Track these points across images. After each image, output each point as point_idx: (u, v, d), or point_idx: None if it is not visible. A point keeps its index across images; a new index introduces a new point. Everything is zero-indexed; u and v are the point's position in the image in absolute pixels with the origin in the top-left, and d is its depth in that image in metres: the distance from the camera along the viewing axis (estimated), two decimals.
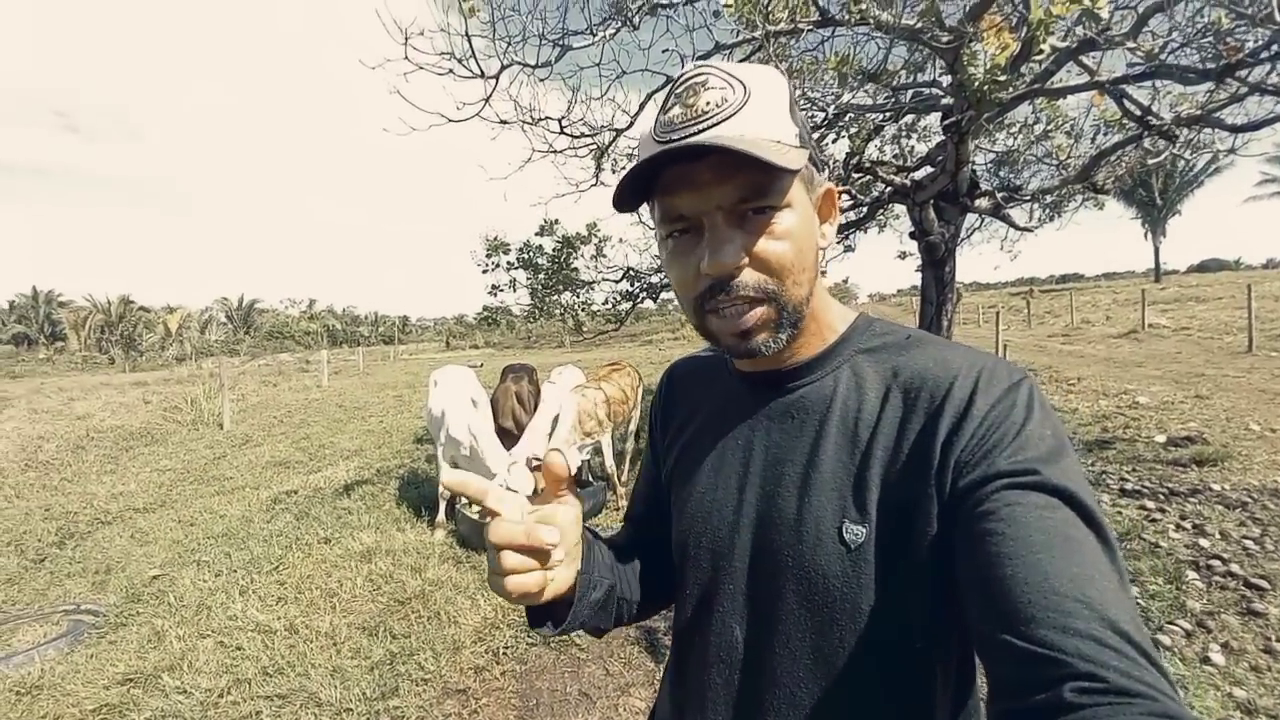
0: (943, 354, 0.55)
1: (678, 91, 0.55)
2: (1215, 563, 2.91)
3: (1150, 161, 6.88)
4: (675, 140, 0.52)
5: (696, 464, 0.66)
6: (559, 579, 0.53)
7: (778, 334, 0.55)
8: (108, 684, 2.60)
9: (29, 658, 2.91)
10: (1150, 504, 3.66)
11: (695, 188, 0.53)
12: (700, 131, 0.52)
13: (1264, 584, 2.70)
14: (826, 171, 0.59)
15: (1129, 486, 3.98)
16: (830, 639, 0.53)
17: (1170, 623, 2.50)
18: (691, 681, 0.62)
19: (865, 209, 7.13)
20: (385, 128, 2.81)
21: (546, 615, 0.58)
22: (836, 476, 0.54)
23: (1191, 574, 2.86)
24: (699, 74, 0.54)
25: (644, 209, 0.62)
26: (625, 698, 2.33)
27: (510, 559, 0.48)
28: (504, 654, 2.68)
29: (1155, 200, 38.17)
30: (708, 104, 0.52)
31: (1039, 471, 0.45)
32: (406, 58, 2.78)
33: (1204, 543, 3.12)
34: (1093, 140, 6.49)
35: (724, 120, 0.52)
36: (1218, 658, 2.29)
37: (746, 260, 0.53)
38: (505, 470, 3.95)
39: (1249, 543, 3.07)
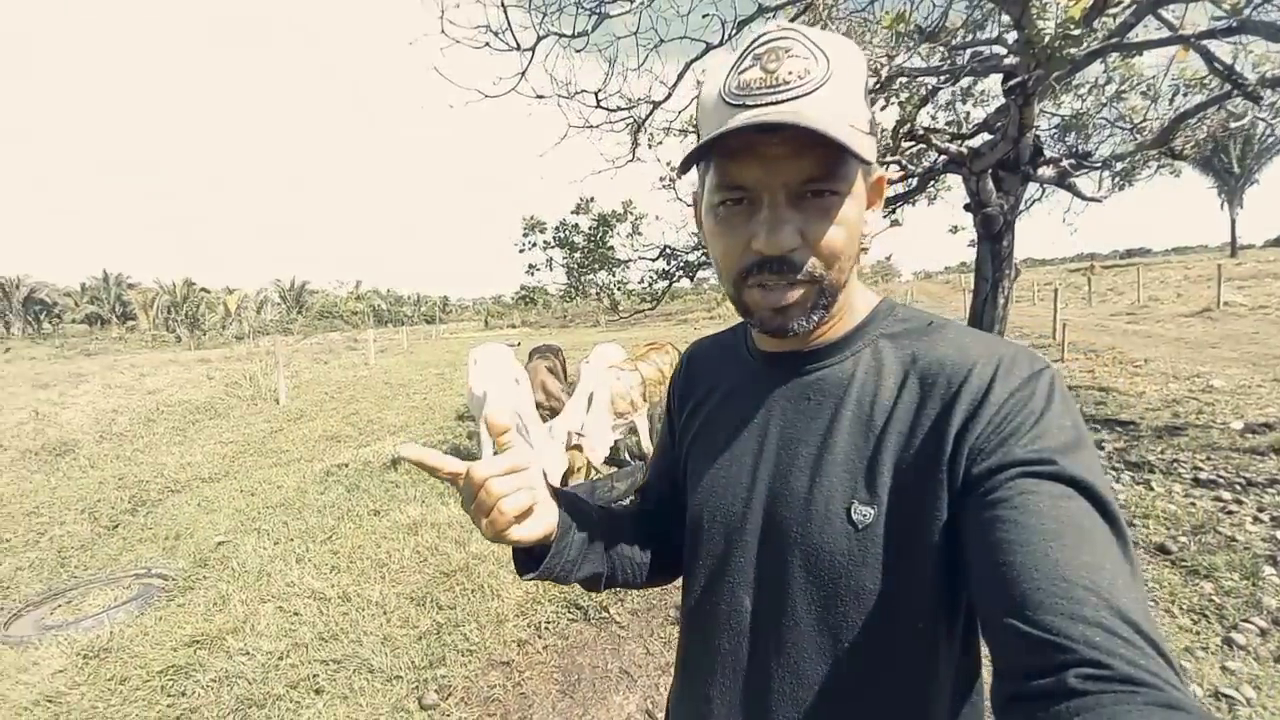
0: (963, 341, 0.55)
1: (757, 52, 0.52)
2: None
3: (1233, 125, 6.30)
4: (751, 105, 0.50)
5: (712, 441, 0.67)
6: (541, 516, 0.57)
7: (811, 314, 0.56)
8: (175, 646, 2.77)
9: (98, 621, 3.03)
10: (1226, 495, 3.42)
11: (763, 160, 0.51)
12: (781, 102, 0.50)
13: None
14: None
15: (1203, 476, 3.72)
16: (835, 614, 0.54)
17: (1245, 620, 2.35)
18: (701, 649, 0.65)
19: (915, 180, 6.79)
20: (423, 105, 2.80)
21: (532, 561, 0.63)
22: (849, 458, 0.55)
23: (1269, 569, 2.66)
24: (782, 37, 0.52)
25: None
26: (666, 676, 2.34)
27: (498, 485, 0.52)
28: (545, 629, 2.73)
29: (1232, 168, 35.15)
30: (790, 73, 0.50)
31: (1056, 461, 0.45)
32: (443, 32, 2.76)
33: None
34: (1170, 101, 5.98)
35: (806, 94, 0.50)
36: None
37: (801, 242, 0.53)
38: (542, 446, 4.00)
39: None
